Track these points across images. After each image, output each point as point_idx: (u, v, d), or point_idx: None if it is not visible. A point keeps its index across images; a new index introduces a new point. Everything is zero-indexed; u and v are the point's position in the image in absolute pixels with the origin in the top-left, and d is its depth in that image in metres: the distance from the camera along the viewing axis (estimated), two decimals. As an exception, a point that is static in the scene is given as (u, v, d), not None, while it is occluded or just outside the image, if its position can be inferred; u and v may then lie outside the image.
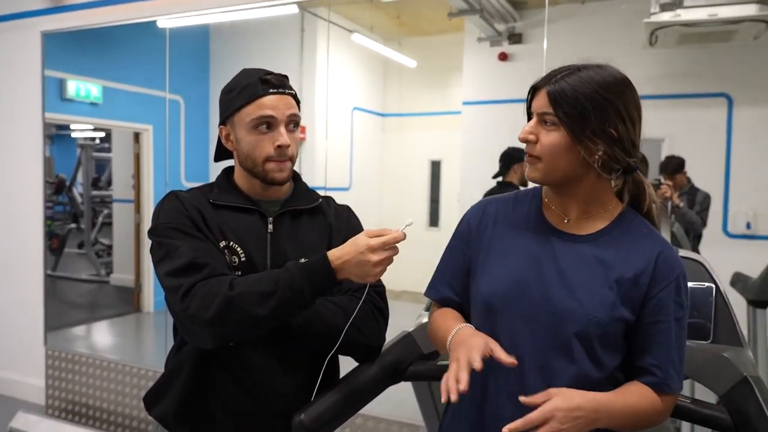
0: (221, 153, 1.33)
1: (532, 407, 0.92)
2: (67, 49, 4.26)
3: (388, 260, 1.06)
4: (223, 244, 1.20)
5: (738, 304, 2.65)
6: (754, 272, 2.57)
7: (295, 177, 1.32)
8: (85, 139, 8.62)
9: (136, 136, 5.37)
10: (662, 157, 3.91)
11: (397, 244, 1.06)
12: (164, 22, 3.52)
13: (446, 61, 6.00)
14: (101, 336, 5.22)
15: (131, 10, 3.40)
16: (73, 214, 8.85)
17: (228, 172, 1.31)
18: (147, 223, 5.38)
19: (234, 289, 1.08)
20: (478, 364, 0.92)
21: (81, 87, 4.77)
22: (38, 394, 3.64)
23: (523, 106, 1.10)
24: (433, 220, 6.45)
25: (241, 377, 1.19)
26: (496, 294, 1.05)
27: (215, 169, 1.35)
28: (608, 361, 1.01)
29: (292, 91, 1.23)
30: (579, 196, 1.06)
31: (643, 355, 1.01)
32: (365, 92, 6.56)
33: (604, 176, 1.03)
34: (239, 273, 1.17)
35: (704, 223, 3.47)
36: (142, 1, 3.37)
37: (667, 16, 3.19)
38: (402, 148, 6.66)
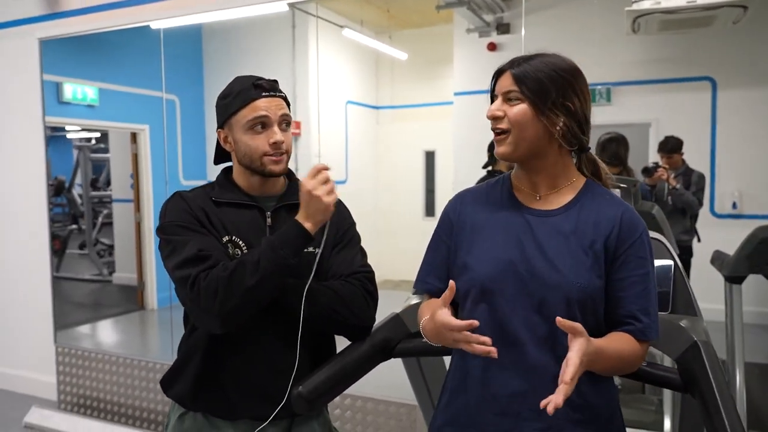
0: (220, 156, 1.45)
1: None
2: (63, 53, 4.33)
3: (331, 187, 1.25)
4: (226, 238, 1.31)
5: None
6: (737, 251, 2.69)
7: (289, 174, 1.44)
8: (81, 140, 8.69)
9: (134, 137, 5.45)
10: (650, 142, 4.00)
11: (332, 180, 1.25)
12: (157, 24, 3.60)
13: (437, 53, 6.05)
14: (107, 333, 5.33)
15: (126, 15, 3.49)
16: (72, 215, 8.92)
17: (227, 171, 1.43)
18: (148, 222, 5.49)
19: (227, 269, 1.21)
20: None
21: (78, 90, 4.85)
22: (50, 390, 3.76)
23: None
24: (429, 209, 6.52)
25: (250, 357, 1.31)
26: (487, 277, 1.13)
27: (213, 167, 1.47)
28: (593, 326, 1.10)
29: (282, 94, 1.35)
30: (545, 169, 1.15)
31: (620, 307, 1.10)
32: (358, 86, 6.61)
33: (564, 148, 1.14)
34: None
35: (700, 203, 3.54)
36: (137, 5, 3.46)
37: (647, 4, 3.25)
38: (396, 140, 6.72)
